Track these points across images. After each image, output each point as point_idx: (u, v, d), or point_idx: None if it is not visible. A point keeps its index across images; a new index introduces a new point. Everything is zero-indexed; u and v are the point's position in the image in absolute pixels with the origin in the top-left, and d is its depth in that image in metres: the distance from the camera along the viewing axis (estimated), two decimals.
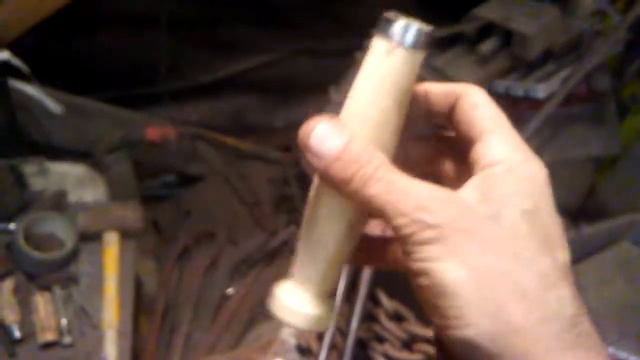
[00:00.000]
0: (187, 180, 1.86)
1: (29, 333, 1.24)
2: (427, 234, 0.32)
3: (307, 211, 0.40)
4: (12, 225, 1.36)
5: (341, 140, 0.34)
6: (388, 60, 0.37)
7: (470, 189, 0.34)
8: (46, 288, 1.31)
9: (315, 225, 0.40)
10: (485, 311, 0.31)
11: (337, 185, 0.34)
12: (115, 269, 1.38)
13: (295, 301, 0.40)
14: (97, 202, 1.52)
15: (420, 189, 0.33)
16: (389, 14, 0.37)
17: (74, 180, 1.51)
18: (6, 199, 1.42)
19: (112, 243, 1.42)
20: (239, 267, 1.71)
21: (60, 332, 1.26)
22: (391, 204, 0.33)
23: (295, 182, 1.84)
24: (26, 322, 1.25)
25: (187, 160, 1.83)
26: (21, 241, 1.31)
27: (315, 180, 0.39)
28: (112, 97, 1.66)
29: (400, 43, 0.36)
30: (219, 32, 1.84)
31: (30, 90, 1.45)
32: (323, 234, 0.40)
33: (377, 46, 0.37)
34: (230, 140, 1.88)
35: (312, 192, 0.40)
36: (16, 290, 1.28)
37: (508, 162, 0.34)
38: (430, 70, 1.58)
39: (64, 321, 1.27)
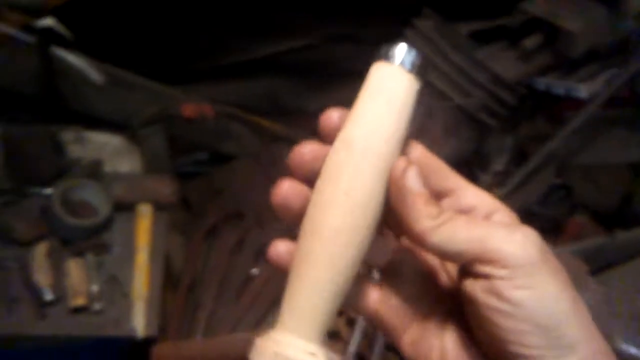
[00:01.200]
0: (219, 159, 1.87)
1: (60, 297, 1.26)
2: (519, 259, 0.33)
3: (312, 227, 0.37)
4: (47, 190, 1.38)
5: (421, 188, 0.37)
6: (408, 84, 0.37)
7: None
8: (79, 254, 1.33)
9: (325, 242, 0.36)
10: (586, 337, 0.34)
11: (412, 223, 0.36)
12: (147, 240, 1.40)
13: (296, 353, 0.34)
14: (133, 173, 1.54)
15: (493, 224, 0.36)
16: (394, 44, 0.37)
17: (110, 150, 1.53)
18: (43, 164, 1.44)
19: (145, 215, 1.44)
20: (264, 250, 1.71)
21: (91, 298, 1.28)
22: (476, 238, 0.35)
23: None
24: (58, 286, 1.27)
25: (220, 138, 1.84)
26: (57, 206, 1.33)
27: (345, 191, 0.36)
28: (151, 71, 1.68)
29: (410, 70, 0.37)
30: (259, 14, 1.84)
31: (72, 58, 1.46)
32: (335, 249, 0.36)
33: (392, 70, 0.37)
34: (264, 122, 1.88)
35: (322, 210, 0.36)
36: (50, 254, 1.30)
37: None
38: (471, 63, 1.56)
39: (94, 287, 1.29)
